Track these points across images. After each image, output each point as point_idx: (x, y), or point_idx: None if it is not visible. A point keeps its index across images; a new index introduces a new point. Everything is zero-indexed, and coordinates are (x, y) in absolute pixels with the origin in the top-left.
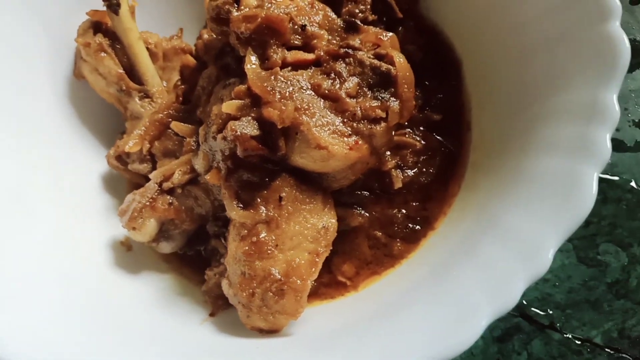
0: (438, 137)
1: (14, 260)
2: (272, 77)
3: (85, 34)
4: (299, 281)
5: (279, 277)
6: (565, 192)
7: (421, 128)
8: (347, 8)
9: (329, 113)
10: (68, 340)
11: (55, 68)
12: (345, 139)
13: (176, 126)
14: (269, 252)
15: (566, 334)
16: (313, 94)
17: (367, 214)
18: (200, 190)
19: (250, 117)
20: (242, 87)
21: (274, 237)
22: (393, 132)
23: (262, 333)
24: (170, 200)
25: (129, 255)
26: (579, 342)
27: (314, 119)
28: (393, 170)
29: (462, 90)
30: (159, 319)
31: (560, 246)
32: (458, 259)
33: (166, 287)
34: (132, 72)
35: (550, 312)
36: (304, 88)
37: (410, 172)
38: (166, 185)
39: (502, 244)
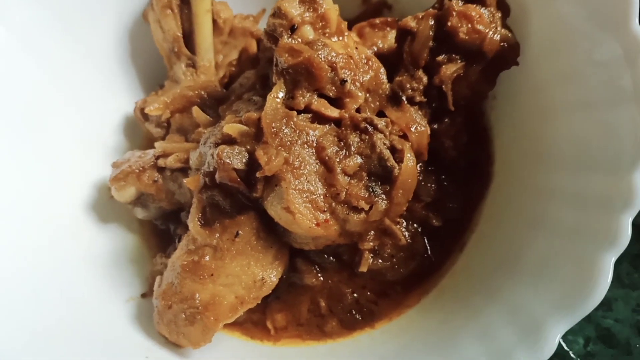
0: (427, 244)
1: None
2: (285, 120)
3: None
4: (212, 318)
5: (198, 304)
6: None
7: (415, 225)
8: (401, 78)
9: (316, 180)
10: None
11: (127, 3)
12: (318, 213)
13: (196, 112)
14: (202, 277)
15: None
16: (313, 153)
17: (322, 279)
18: None
19: (244, 149)
20: (255, 115)
21: (213, 266)
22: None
23: (167, 341)
24: (157, 178)
25: (109, 202)
26: None
27: (297, 181)
28: (367, 252)
29: (479, 208)
30: (95, 281)
31: None
32: None
33: (125, 248)
34: (189, 38)
35: None
36: (308, 144)
37: (380, 263)
38: (161, 161)
39: None
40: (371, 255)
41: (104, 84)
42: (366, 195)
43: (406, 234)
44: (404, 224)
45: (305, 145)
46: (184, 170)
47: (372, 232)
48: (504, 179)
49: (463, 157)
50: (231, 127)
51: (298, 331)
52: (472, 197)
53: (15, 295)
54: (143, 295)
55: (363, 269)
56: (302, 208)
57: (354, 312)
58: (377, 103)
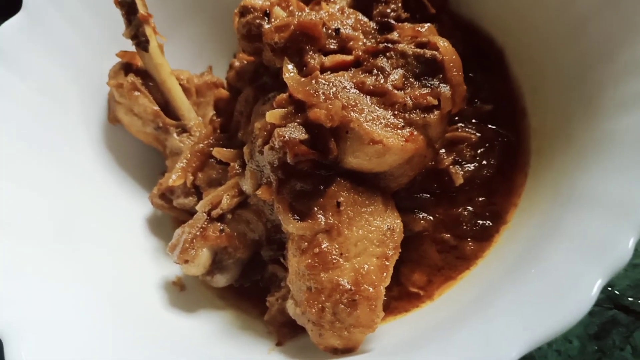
0: (493, 127)
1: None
2: (313, 81)
3: (116, 76)
4: (371, 289)
5: (349, 286)
6: None
7: (473, 120)
8: (377, 10)
9: (377, 108)
10: None
11: (89, 114)
12: (399, 130)
13: (219, 152)
14: (334, 261)
15: None
16: (358, 92)
17: (430, 217)
18: (251, 213)
19: (295, 123)
20: (284, 95)
21: (337, 246)
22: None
23: (336, 353)
24: (221, 227)
25: (182, 295)
26: None
27: (363, 115)
28: (451, 167)
29: (509, 78)
30: (221, 352)
31: None
32: (539, 246)
33: (226, 322)
34: (167, 108)
35: None
36: (348, 87)
37: (470, 167)
38: (215, 212)
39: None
40: (457, 167)
41: (110, 202)
42: (429, 91)
43: (471, 131)
44: (463, 126)
45: (347, 89)
46: (243, 204)
47: (443, 150)
48: (514, 39)
49: (468, 48)
50: (271, 114)
51: (444, 275)
52: (499, 72)
53: None
54: (278, 344)
55: (459, 181)
56: (385, 132)
57: (480, 223)
58: (373, 40)
